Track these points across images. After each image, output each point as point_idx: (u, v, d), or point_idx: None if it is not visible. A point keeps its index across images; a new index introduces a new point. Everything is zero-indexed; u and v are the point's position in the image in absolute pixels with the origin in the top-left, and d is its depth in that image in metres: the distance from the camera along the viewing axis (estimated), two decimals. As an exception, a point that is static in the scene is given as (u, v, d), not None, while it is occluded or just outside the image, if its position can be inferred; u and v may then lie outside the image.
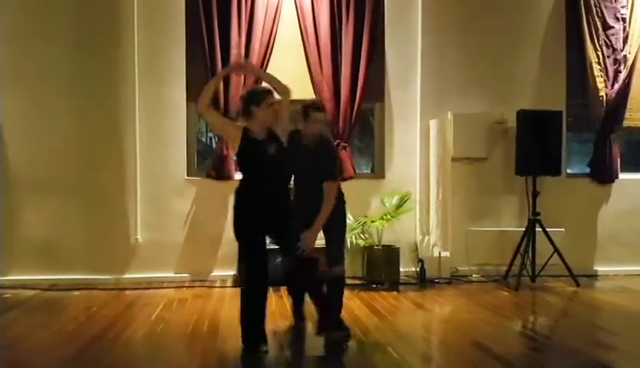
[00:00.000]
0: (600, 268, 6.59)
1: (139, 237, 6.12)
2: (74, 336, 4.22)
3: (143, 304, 5.16)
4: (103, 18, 6.08)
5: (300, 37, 6.20)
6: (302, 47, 6.20)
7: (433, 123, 6.34)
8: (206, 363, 3.67)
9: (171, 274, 6.11)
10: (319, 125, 4.19)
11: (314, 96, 6.19)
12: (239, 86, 6.05)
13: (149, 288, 5.77)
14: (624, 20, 6.52)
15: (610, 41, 6.49)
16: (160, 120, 6.16)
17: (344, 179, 5.60)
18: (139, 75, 6.08)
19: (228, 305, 5.14)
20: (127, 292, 5.65)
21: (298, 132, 4.18)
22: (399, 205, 5.95)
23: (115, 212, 6.09)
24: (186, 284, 5.96)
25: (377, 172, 6.44)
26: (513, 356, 3.84)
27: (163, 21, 6.14)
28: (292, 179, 4.16)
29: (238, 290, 5.61)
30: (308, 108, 4.19)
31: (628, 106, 6.60)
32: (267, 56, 6.09)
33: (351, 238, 5.69)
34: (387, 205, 5.99)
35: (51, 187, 5.98)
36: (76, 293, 5.59)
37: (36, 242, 5.92)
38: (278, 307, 5.00)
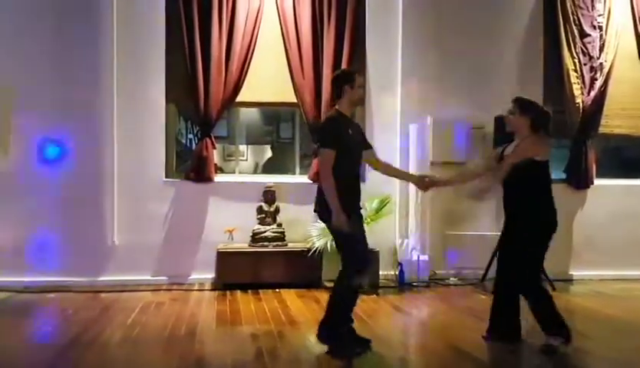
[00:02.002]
0: (575, 273, 6.69)
1: (116, 239, 6.05)
2: (49, 339, 4.15)
3: (119, 308, 5.10)
4: (81, 17, 6.01)
5: (282, 41, 6.20)
6: (284, 51, 6.20)
7: (412, 128, 6.39)
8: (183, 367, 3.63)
9: (148, 277, 6.05)
10: (362, 91, 4.06)
11: (295, 100, 6.20)
12: (219, 86, 6.02)
13: (125, 291, 5.71)
14: (600, 28, 6.64)
15: (587, 49, 6.60)
16: (138, 121, 6.10)
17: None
18: (117, 75, 6.02)
19: (206, 309, 5.10)
20: (103, 295, 5.58)
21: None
22: (379, 209, 5.98)
23: (92, 214, 6.02)
24: (164, 287, 5.91)
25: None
26: (489, 359, 3.89)
27: (142, 21, 6.09)
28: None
29: (215, 293, 5.64)
30: (352, 73, 4.01)
31: (604, 113, 6.71)
32: (248, 58, 6.08)
33: (329, 241, 5.69)
34: (367, 208, 6.00)
35: (26, 188, 5.89)
36: (51, 295, 5.50)
37: (10, 244, 5.81)
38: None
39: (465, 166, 4.31)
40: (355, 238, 3.82)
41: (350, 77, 3.93)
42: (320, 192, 3.87)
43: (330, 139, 3.78)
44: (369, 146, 4.17)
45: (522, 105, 4.04)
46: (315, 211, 3.98)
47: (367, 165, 4.44)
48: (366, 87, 6.37)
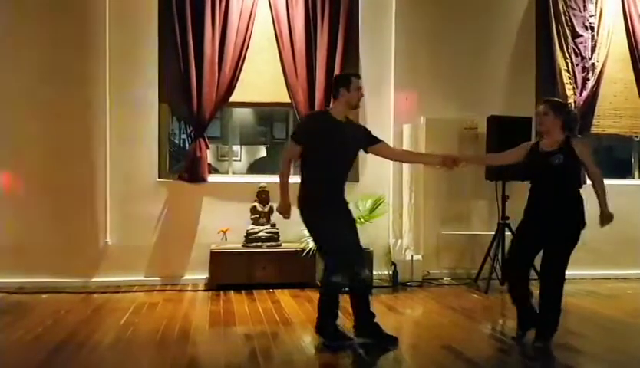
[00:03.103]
0: (567, 272, 6.66)
1: (109, 240, 6.03)
2: (41, 340, 4.13)
3: (112, 308, 5.08)
4: (74, 17, 5.98)
5: (275, 41, 6.19)
6: (277, 51, 6.19)
7: (406, 128, 6.40)
8: (176, 368, 3.63)
9: (141, 278, 6.03)
10: (361, 94, 4.07)
11: (289, 100, 6.20)
12: (212, 86, 6.01)
13: (118, 292, 5.69)
14: (592, 29, 6.67)
15: (579, 49, 6.64)
16: (131, 121, 6.08)
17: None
18: (110, 74, 5.99)
19: (199, 309, 5.10)
20: (96, 296, 5.56)
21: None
22: (372, 209, 5.98)
23: (85, 214, 6.00)
24: (157, 288, 5.89)
25: (351, 175, 6.39)
26: (482, 359, 3.90)
27: (135, 21, 6.07)
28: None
29: (209, 294, 5.63)
30: (349, 76, 4.11)
31: (596, 113, 6.76)
32: (241, 58, 6.07)
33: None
34: (360, 208, 6.00)
35: (18, 188, 5.86)
36: (43, 296, 5.48)
37: (3, 244, 5.78)
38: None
39: (497, 153, 4.57)
40: (333, 233, 3.87)
41: (347, 79, 4.02)
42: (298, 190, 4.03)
43: (297, 133, 4.04)
44: (376, 141, 4.17)
45: (555, 106, 4.14)
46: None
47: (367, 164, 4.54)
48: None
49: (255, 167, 8.87)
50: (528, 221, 4.19)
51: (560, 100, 4.26)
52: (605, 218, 4.19)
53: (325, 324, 4.04)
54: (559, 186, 4.08)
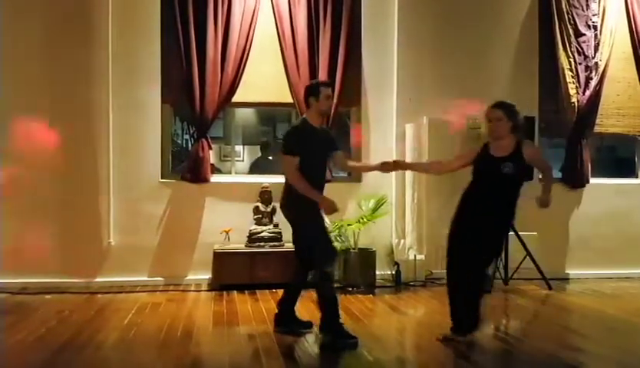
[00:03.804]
0: (572, 271, 6.71)
1: (112, 240, 6.04)
2: (44, 340, 4.14)
3: (115, 308, 5.09)
4: (76, 17, 5.99)
5: (277, 41, 6.20)
6: (280, 51, 6.20)
7: (409, 127, 6.39)
8: (179, 368, 3.63)
9: (145, 278, 6.04)
10: (331, 101, 4.29)
11: (291, 100, 6.20)
12: (215, 87, 6.02)
13: (121, 292, 5.70)
14: (595, 28, 6.66)
15: (582, 49, 6.62)
16: (134, 122, 6.09)
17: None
18: (113, 76, 6.00)
19: (202, 309, 5.10)
20: (99, 296, 5.57)
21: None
22: (375, 209, 5.97)
23: (88, 215, 6.00)
24: (160, 288, 5.90)
25: (354, 175, 6.45)
26: (486, 359, 3.89)
27: (137, 22, 6.07)
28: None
29: (212, 294, 5.64)
30: (318, 85, 4.27)
31: (599, 112, 6.74)
32: (244, 59, 6.07)
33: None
34: (363, 208, 6.01)
35: (22, 189, 5.87)
36: (47, 296, 5.49)
37: (6, 245, 5.79)
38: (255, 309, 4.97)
39: (443, 161, 4.54)
40: (321, 230, 4.15)
41: (314, 89, 4.21)
42: (285, 192, 4.21)
43: (291, 147, 4.11)
44: (334, 148, 4.42)
45: (509, 110, 4.04)
46: (281, 207, 4.32)
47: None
48: (362, 86, 6.40)
49: (260, 167, 8.86)
50: (464, 223, 4.07)
51: (510, 102, 4.09)
52: (545, 203, 4.15)
53: (331, 321, 4.09)
54: (503, 194, 4.02)
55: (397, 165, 4.71)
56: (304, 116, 4.33)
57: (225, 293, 5.67)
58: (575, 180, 6.69)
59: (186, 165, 6.21)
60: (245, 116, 8.16)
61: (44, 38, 5.94)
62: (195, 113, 6.04)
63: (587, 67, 6.62)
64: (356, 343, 3.99)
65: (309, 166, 4.11)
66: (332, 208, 4.09)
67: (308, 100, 4.22)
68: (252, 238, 6.00)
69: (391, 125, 6.47)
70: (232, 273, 5.84)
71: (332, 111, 4.35)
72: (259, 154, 7.97)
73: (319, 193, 4.14)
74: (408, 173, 6.33)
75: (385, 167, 4.56)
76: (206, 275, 6.04)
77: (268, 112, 8.36)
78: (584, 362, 3.82)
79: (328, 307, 4.09)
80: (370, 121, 6.45)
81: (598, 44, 6.66)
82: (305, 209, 4.10)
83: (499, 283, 6.01)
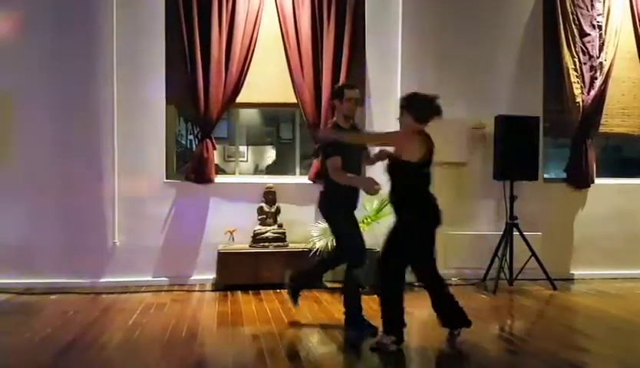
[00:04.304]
0: (576, 272, 6.69)
1: (117, 240, 6.05)
2: (49, 341, 4.15)
3: (120, 309, 5.10)
4: (81, 18, 6.01)
5: (282, 41, 6.20)
6: (284, 51, 6.20)
7: (412, 128, 6.37)
8: (183, 368, 3.64)
9: (149, 278, 6.06)
10: (354, 102, 4.43)
11: (295, 100, 6.21)
12: (219, 87, 6.03)
13: (126, 292, 5.71)
14: (600, 27, 6.63)
15: (586, 48, 6.60)
16: (138, 122, 6.10)
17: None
18: (117, 76, 6.02)
19: (207, 310, 5.11)
20: (104, 296, 5.58)
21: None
22: (379, 209, 5.97)
23: (92, 215, 6.02)
24: (165, 289, 5.91)
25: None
26: (490, 360, 3.89)
27: (142, 22, 6.09)
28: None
29: (216, 294, 5.65)
30: (342, 88, 4.46)
31: (604, 112, 6.72)
32: (248, 59, 6.08)
33: (331, 241, 5.69)
34: (367, 208, 6.00)
35: (26, 189, 5.90)
36: (52, 297, 5.51)
37: (11, 245, 5.82)
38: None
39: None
40: (355, 230, 4.41)
41: (338, 92, 4.43)
42: (322, 191, 4.48)
43: (331, 149, 4.30)
44: (365, 148, 4.69)
45: (407, 103, 4.25)
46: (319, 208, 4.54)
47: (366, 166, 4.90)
48: (365, 86, 6.39)
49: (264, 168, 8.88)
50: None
51: (408, 93, 4.38)
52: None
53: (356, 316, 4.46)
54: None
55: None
56: (334, 119, 4.52)
57: (229, 293, 5.68)
58: (580, 180, 6.67)
59: (191, 166, 6.22)
60: (249, 117, 8.16)
61: (51, 39, 5.95)
62: (199, 113, 6.05)
63: (592, 67, 6.60)
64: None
65: (344, 166, 4.31)
66: (373, 187, 4.17)
67: (333, 103, 4.45)
68: (257, 239, 6.01)
69: (395, 125, 6.43)
70: (237, 273, 5.85)
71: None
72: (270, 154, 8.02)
73: (357, 178, 4.37)
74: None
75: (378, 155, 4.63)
76: (210, 275, 6.05)
77: (272, 112, 8.36)
78: (588, 362, 3.82)
79: (350, 298, 4.47)
80: (374, 121, 6.44)
81: (603, 43, 6.64)
82: (337, 209, 4.38)
83: (503, 283, 6.00)
